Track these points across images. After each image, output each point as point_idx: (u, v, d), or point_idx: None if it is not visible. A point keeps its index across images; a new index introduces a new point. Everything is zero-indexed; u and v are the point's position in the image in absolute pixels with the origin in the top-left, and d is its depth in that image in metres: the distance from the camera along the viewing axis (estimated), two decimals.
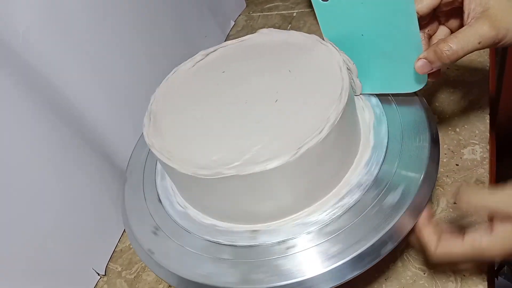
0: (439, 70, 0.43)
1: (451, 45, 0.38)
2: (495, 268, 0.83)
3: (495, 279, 0.75)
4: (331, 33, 0.44)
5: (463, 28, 0.39)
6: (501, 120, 0.76)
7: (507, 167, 0.61)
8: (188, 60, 0.49)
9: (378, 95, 0.46)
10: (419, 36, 0.40)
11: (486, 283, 0.42)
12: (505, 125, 0.77)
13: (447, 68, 0.62)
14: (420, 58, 0.40)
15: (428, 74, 0.42)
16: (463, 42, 0.38)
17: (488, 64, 0.61)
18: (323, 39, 0.45)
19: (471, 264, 0.40)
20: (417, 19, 0.39)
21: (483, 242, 0.34)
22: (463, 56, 0.38)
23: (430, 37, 0.46)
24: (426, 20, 0.44)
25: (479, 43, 0.37)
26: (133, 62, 0.60)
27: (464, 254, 0.35)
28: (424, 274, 0.44)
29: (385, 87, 0.45)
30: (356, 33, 0.42)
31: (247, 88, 0.43)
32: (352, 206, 0.38)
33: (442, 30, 0.46)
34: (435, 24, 0.45)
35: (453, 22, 0.45)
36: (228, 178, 0.35)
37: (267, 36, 0.48)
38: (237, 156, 0.36)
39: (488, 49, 0.63)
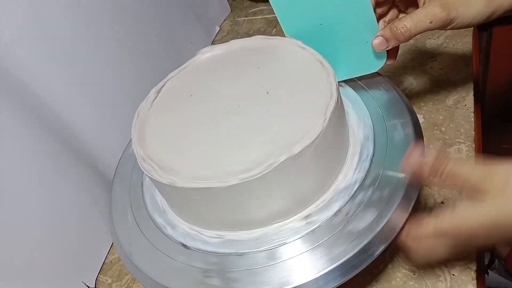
0: (395, 51, 0.47)
1: (405, 23, 0.41)
2: (486, 264, 0.83)
3: (486, 275, 0.76)
4: (292, 30, 0.46)
5: (418, 9, 0.42)
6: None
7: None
8: (177, 70, 0.49)
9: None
10: (375, 18, 0.43)
11: (475, 281, 0.42)
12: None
13: (431, 67, 0.63)
14: (378, 36, 0.43)
15: (387, 55, 0.45)
16: (416, 21, 0.41)
17: (472, 63, 0.62)
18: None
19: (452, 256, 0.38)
20: (370, 1, 0.42)
21: (444, 221, 0.33)
22: (416, 34, 0.42)
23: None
24: (386, 8, 0.47)
25: (430, 23, 0.41)
26: (119, 71, 0.59)
27: (428, 236, 0.35)
28: (414, 275, 0.44)
29: (350, 72, 0.47)
30: (315, 24, 0.44)
31: (234, 97, 0.42)
32: (339, 211, 0.38)
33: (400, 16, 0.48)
34: (395, 13, 0.48)
35: (411, 10, 0.47)
36: (224, 188, 0.35)
37: (251, 42, 0.48)
38: (225, 166, 0.36)
39: (471, 48, 0.64)
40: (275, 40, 0.47)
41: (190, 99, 0.44)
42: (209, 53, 0.49)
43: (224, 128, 0.40)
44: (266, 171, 0.34)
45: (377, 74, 0.48)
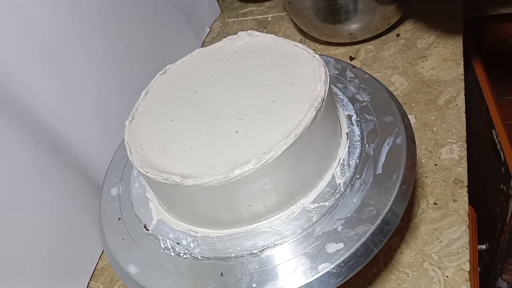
0: None
1: None
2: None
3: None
4: None
5: None
6: None
7: None
8: (168, 66, 0.48)
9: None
10: None
11: (469, 283, 0.42)
12: None
13: (422, 67, 0.63)
14: None
15: None
16: None
17: (462, 62, 0.62)
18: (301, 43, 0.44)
19: None
20: None
21: None
22: None
23: None
24: None
25: None
26: (108, 75, 0.59)
27: None
28: (408, 277, 0.44)
29: None
30: None
31: (224, 96, 0.42)
32: (332, 209, 0.38)
33: None
34: None
35: None
36: (210, 186, 0.34)
37: (245, 39, 0.47)
38: (216, 165, 0.36)
39: (462, 48, 0.64)
40: (267, 37, 0.46)
41: (182, 94, 0.44)
42: (203, 52, 0.48)
43: (213, 125, 0.39)
44: (250, 171, 0.34)
45: (366, 74, 0.48)
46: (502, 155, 0.68)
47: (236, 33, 0.47)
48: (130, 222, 0.43)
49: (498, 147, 0.69)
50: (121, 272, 0.41)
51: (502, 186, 0.70)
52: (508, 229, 0.70)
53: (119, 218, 0.44)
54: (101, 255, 0.57)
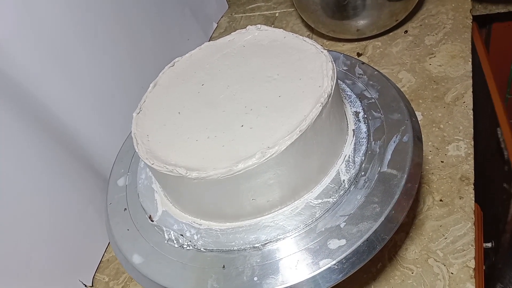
0: None
1: None
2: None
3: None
4: None
5: None
6: None
7: None
8: (176, 59, 0.48)
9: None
10: None
11: (473, 279, 0.42)
12: None
13: (429, 64, 0.62)
14: None
15: None
16: None
17: (471, 59, 0.62)
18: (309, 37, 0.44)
19: None
20: None
21: None
22: None
23: None
24: None
25: None
26: (115, 69, 0.59)
27: None
28: (413, 273, 0.44)
29: None
30: None
31: (231, 90, 0.42)
32: (335, 206, 0.38)
33: None
34: None
35: None
36: (218, 179, 0.35)
37: (254, 33, 0.47)
38: (220, 159, 0.36)
39: (470, 45, 0.63)
40: (276, 32, 0.46)
41: (189, 87, 0.44)
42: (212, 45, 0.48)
43: (219, 119, 0.39)
44: (254, 166, 0.34)
45: (376, 71, 0.48)
46: (505, 153, 0.68)
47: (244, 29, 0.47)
48: (135, 212, 0.44)
49: (502, 146, 0.69)
50: (125, 262, 0.41)
51: (505, 185, 0.70)
52: (510, 228, 0.69)
53: (125, 209, 0.45)
54: (107, 247, 0.57)
